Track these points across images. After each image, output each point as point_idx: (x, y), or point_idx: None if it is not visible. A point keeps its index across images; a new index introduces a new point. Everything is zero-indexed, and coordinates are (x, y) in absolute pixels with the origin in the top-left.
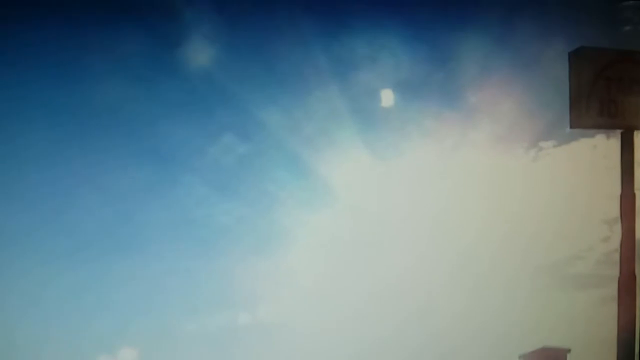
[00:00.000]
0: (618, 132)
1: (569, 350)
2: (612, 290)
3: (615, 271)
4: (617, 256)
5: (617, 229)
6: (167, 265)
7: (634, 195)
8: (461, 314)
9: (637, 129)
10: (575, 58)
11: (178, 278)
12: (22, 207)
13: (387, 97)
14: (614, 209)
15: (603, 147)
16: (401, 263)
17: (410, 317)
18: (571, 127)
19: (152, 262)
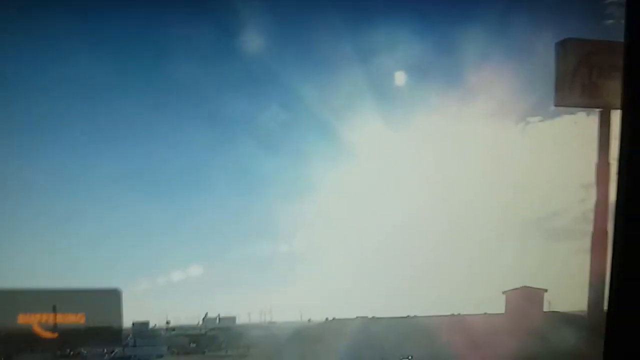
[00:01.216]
0: (597, 110)
1: (546, 290)
2: (586, 243)
3: (589, 227)
4: (591, 215)
5: (593, 193)
6: (224, 204)
7: (609, 164)
8: (458, 255)
9: (614, 108)
10: (562, 47)
11: (232, 214)
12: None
13: (400, 78)
14: (591, 176)
15: (583, 123)
16: (408, 211)
17: (415, 256)
18: (555, 105)
19: (211, 200)
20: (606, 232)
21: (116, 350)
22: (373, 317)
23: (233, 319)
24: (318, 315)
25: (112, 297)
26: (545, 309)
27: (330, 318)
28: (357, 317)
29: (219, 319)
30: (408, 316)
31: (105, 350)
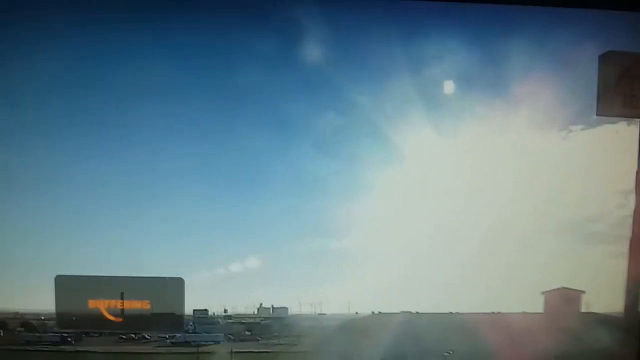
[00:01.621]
0: (637, 120)
1: (583, 292)
2: (623, 248)
3: (627, 232)
4: (629, 221)
5: (632, 199)
6: (280, 203)
7: None
8: (500, 256)
9: None
10: (604, 59)
11: (288, 213)
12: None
13: (449, 88)
14: (630, 183)
15: (624, 132)
16: (454, 214)
17: (458, 256)
18: (597, 114)
19: (270, 199)
20: None
21: (178, 336)
22: (417, 313)
23: (285, 309)
24: (365, 308)
25: (175, 286)
26: (583, 309)
27: (376, 312)
28: (401, 312)
29: (273, 309)
30: (450, 313)
31: (168, 335)
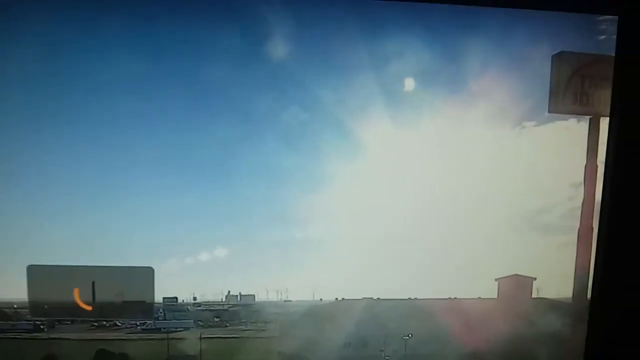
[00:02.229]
0: (587, 117)
1: (535, 279)
2: (572, 237)
3: (576, 223)
4: (578, 212)
5: (581, 192)
6: (247, 193)
7: (596, 166)
8: (456, 246)
9: (603, 115)
10: (557, 59)
11: (254, 203)
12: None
13: (409, 84)
14: (579, 176)
15: (574, 129)
16: (412, 205)
17: (417, 245)
18: (549, 111)
19: (237, 190)
20: (592, 228)
21: (148, 322)
22: (378, 299)
23: (252, 297)
24: (329, 295)
25: (145, 275)
26: (534, 295)
27: (339, 298)
28: (363, 298)
29: (240, 296)
30: (409, 298)
31: (138, 322)
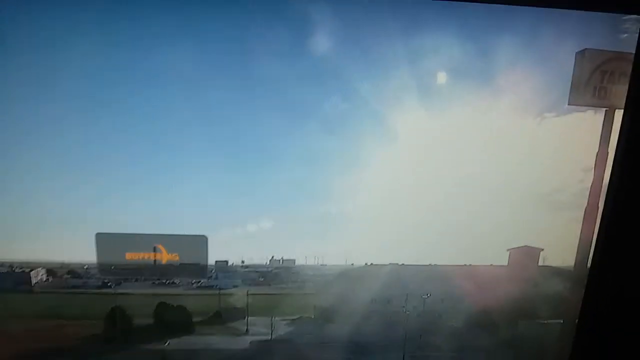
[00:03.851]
0: (603, 110)
1: (542, 249)
2: (579, 214)
3: (584, 202)
4: (587, 193)
5: (591, 175)
6: (289, 173)
7: (607, 153)
8: (475, 219)
9: (618, 108)
10: (580, 56)
11: (297, 181)
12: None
13: (441, 77)
14: (591, 162)
15: (590, 120)
16: (437, 184)
17: (440, 219)
18: (569, 103)
19: (281, 170)
20: (597, 207)
21: (202, 281)
22: (402, 264)
23: (293, 261)
24: (359, 260)
25: (200, 241)
26: (540, 263)
27: (368, 263)
28: (389, 264)
29: (282, 261)
30: (430, 264)
31: (194, 281)
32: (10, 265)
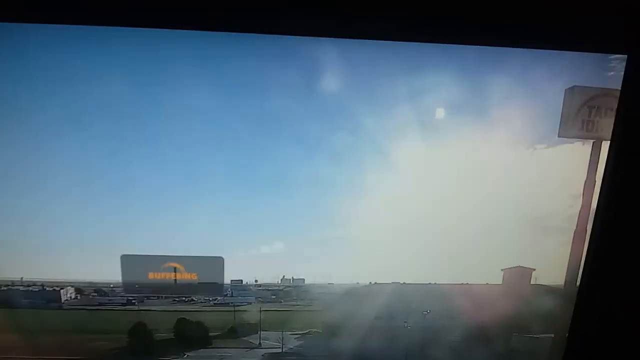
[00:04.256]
0: (591, 141)
1: (534, 269)
2: (568, 237)
3: (572, 226)
4: (576, 218)
5: (579, 201)
6: (300, 200)
7: (594, 180)
8: (471, 243)
9: (605, 139)
10: (570, 92)
11: (305, 207)
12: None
13: (439, 114)
14: (579, 189)
15: (579, 151)
16: (436, 210)
17: (437, 242)
18: (559, 135)
19: (291, 197)
20: (585, 230)
21: (219, 299)
22: (404, 283)
23: (302, 280)
24: (364, 279)
25: (216, 262)
26: (533, 282)
27: (372, 282)
28: (392, 282)
29: (292, 279)
30: (430, 283)
31: (211, 298)
32: (42, 285)
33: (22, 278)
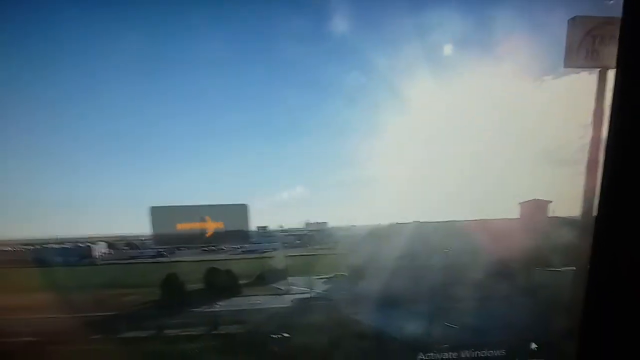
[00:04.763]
0: (596, 70)
1: (550, 202)
2: (582, 168)
3: (585, 157)
4: (587, 148)
5: (589, 132)
6: (319, 143)
7: (602, 110)
8: (488, 177)
9: (610, 68)
10: (572, 23)
11: (324, 150)
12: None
13: (448, 49)
14: (589, 119)
15: (585, 80)
16: (452, 145)
17: (456, 179)
18: (565, 66)
19: (311, 142)
20: (597, 160)
21: (246, 246)
22: (424, 222)
23: (325, 223)
24: (385, 220)
25: (241, 210)
26: (550, 215)
27: (394, 222)
28: (413, 221)
29: (316, 224)
30: (449, 220)
31: (238, 246)
32: (75, 241)
33: (56, 236)
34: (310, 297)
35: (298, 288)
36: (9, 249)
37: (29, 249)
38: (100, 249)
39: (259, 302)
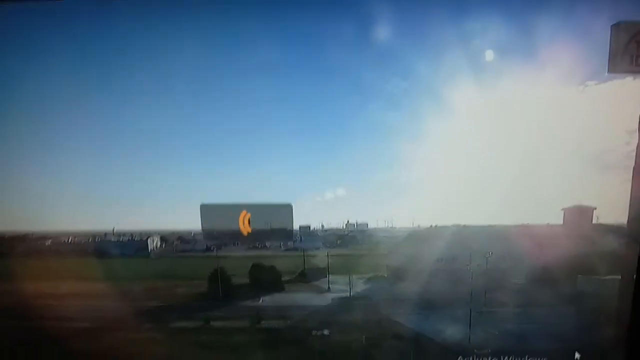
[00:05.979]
0: None
1: (595, 208)
2: (628, 174)
3: (631, 163)
4: (633, 154)
5: (635, 137)
6: (361, 145)
7: None
8: (532, 181)
9: None
10: (615, 29)
11: (367, 152)
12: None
13: (489, 55)
14: (634, 124)
15: (629, 86)
16: (497, 151)
17: (499, 184)
18: (609, 72)
19: (353, 144)
20: None
21: (289, 244)
22: (465, 225)
23: (366, 224)
24: (425, 222)
25: (286, 209)
26: (594, 221)
27: (434, 225)
28: (452, 225)
29: (357, 224)
30: (490, 225)
31: (282, 244)
32: (131, 235)
33: (113, 229)
34: (350, 297)
35: (338, 287)
36: (71, 240)
37: (89, 242)
38: (154, 243)
39: (300, 298)
